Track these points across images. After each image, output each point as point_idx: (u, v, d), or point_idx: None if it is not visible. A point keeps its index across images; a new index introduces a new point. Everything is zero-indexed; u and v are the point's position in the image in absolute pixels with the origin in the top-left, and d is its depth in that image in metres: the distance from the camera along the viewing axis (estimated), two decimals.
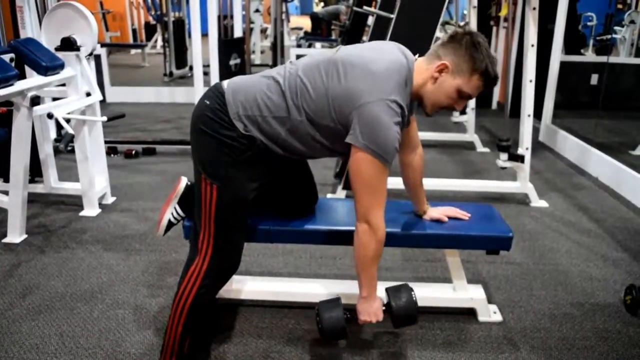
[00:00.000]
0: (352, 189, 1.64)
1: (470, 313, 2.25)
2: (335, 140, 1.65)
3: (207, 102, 1.69)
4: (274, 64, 7.69)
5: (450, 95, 1.64)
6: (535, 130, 4.62)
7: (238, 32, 5.95)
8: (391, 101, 1.55)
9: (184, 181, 1.98)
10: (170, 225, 1.98)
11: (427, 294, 2.26)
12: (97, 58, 5.78)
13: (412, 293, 1.77)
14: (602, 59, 5.91)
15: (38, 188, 3.31)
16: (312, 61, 1.68)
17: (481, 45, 1.59)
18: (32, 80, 2.81)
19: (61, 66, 2.94)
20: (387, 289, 1.81)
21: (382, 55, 1.64)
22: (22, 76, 2.80)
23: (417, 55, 1.71)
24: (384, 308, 1.77)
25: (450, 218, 2.06)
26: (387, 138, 1.55)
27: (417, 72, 1.65)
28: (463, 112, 5.07)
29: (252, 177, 1.72)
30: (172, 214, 1.96)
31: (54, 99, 3.36)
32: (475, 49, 1.59)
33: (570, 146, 4.66)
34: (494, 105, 6.77)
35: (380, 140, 1.54)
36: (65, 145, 2.81)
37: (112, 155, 4.39)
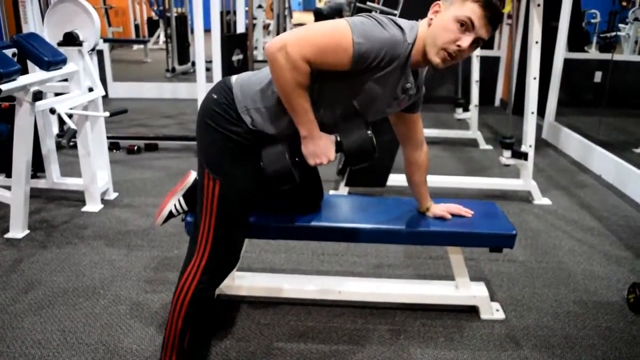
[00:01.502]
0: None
1: (472, 311, 2.24)
2: (341, 93, 1.58)
3: (215, 96, 1.67)
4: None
5: (449, 27, 1.50)
6: (539, 128, 4.60)
7: (241, 28, 5.92)
8: (395, 23, 1.50)
9: (193, 175, 1.97)
10: (170, 216, 1.98)
11: (429, 291, 2.26)
12: (100, 53, 5.75)
13: (365, 125, 1.59)
14: (606, 56, 5.89)
15: (40, 183, 3.31)
16: None
17: None
18: (35, 75, 2.81)
19: (64, 61, 2.93)
20: (332, 124, 1.64)
21: None
22: (24, 71, 2.79)
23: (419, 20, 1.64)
24: (335, 147, 1.61)
25: (453, 215, 2.05)
26: (374, 29, 1.47)
27: (421, 29, 1.58)
28: (466, 110, 5.06)
29: (256, 174, 1.71)
30: (174, 205, 1.96)
31: (57, 94, 3.35)
32: None
33: (573, 144, 4.65)
34: (497, 103, 6.75)
35: (364, 27, 1.47)
36: (67, 140, 2.80)
37: (114, 150, 4.38)
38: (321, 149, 1.59)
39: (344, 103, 1.60)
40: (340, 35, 1.46)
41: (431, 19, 1.55)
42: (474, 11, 1.49)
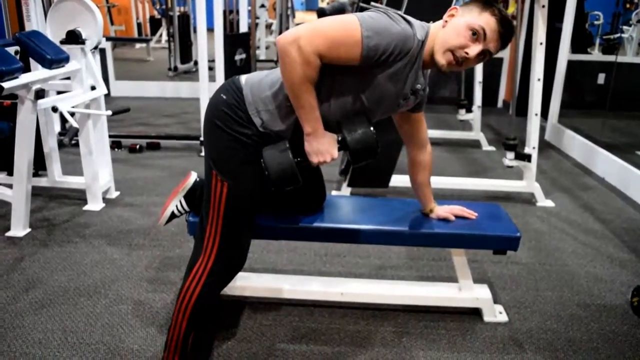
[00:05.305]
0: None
1: (475, 313, 2.23)
2: (351, 88, 1.57)
3: (224, 97, 1.65)
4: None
5: (461, 33, 1.51)
6: (542, 130, 4.58)
7: (243, 27, 5.92)
8: (405, 19, 1.49)
9: (193, 176, 1.97)
10: (172, 216, 1.97)
11: (432, 293, 2.25)
12: (102, 52, 5.77)
13: (368, 123, 1.58)
14: (610, 58, 5.87)
15: (42, 182, 3.31)
16: None
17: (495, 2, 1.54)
18: (37, 73, 2.80)
19: (66, 59, 2.93)
20: (338, 122, 1.61)
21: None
22: (26, 69, 2.78)
23: (430, 22, 1.66)
24: (338, 146, 1.60)
25: (457, 217, 2.04)
26: (384, 23, 1.46)
27: (433, 30, 1.59)
28: (469, 111, 5.05)
29: (264, 177, 1.70)
30: (176, 206, 1.95)
31: (59, 93, 3.35)
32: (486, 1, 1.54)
33: (576, 146, 4.63)
34: (500, 104, 6.74)
35: (373, 21, 1.46)
36: (69, 139, 2.80)
37: (116, 149, 4.38)
38: (325, 147, 1.57)
39: (353, 99, 1.58)
40: (350, 28, 1.45)
41: (446, 22, 1.56)
42: (488, 23, 1.51)
